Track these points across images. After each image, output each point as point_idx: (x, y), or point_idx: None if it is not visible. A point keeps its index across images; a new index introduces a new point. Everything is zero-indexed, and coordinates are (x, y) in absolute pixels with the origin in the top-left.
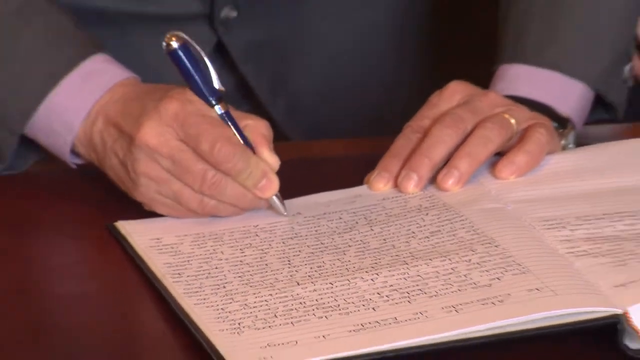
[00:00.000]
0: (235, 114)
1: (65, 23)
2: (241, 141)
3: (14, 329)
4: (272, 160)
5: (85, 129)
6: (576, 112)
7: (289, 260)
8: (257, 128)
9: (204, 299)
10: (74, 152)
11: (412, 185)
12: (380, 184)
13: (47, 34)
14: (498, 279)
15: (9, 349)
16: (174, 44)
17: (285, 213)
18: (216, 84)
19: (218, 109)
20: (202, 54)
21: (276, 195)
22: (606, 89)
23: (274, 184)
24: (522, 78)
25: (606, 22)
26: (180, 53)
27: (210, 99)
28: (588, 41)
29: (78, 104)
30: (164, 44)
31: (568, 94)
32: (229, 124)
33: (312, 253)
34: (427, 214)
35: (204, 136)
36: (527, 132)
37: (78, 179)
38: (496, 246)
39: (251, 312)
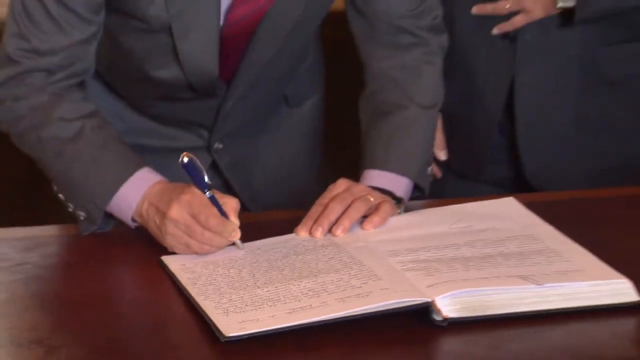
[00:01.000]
0: (218, 195)
1: (126, 148)
2: (220, 214)
3: (95, 321)
4: (236, 222)
5: (138, 208)
6: (405, 194)
7: (253, 275)
8: (229, 203)
9: (208, 297)
10: (133, 219)
11: (319, 233)
12: (302, 232)
13: (118, 154)
14: (365, 283)
15: (89, 333)
16: (185, 160)
17: (243, 249)
18: (207, 180)
19: (208, 194)
20: (199, 164)
21: (239, 239)
22: (420, 181)
23: (237, 234)
24: (377, 177)
25: (418, 145)
26: (189, 165)
27: (204, 189)
28: (410, 155)
29: (134, 195)
30: (180, 159)
31: (401, 184)
32: (214, 202)
33: (266, 270)
34: (327, 249)
35: (201, 214)
36: (379, 205)
37: (137, 235)
38: (364, 265)
39: (233, 304)
